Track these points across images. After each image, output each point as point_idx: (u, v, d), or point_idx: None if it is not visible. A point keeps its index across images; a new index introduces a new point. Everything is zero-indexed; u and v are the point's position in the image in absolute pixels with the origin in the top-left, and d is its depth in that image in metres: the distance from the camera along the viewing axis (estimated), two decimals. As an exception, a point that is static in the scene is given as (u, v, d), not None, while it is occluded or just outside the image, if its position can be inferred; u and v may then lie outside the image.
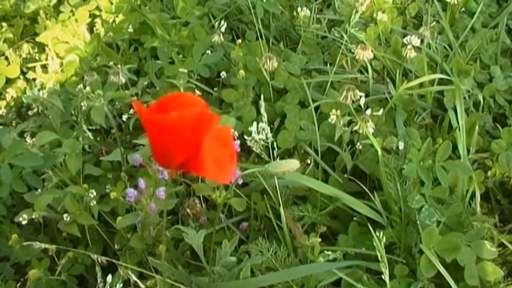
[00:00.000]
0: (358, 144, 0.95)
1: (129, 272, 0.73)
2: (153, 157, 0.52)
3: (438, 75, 1.07)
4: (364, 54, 1.07)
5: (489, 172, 0.98)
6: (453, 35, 1.25)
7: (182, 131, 0.46)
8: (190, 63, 1.12)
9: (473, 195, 0.90)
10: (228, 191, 0.84)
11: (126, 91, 1.03)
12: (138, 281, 0.73)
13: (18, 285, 0.90)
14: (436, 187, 0.88)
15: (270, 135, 0.90)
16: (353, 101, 0.94)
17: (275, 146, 0.92)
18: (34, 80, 1.22)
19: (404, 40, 1.12)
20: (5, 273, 0.90)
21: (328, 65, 1.16)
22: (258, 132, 0.89)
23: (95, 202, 0.85)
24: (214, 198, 0.85)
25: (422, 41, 1.14)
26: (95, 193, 0.86)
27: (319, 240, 0.80)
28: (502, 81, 1.17)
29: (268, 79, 1.07)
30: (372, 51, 1.08)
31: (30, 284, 0.81)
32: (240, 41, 1.15)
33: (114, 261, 0.78)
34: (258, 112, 1.02)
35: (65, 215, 0.83)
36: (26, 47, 1.30)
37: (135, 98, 1.02)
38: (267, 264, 0.79)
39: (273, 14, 1.26)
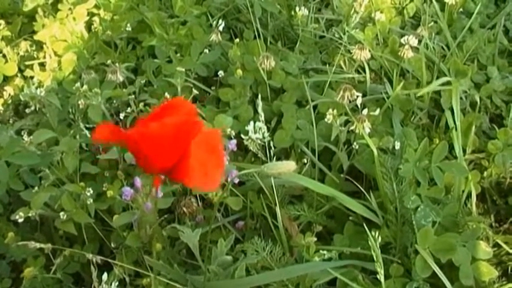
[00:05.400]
0: (355, 144, 0.95)
1: (124, 272, 0.73)
2: (138, 166, 0.51)
3: (442, 80, 1.07)
4: (362, 54, 1.07)
5: (485, 172, 0.98)
6: (451, 35, 1.25)
7: (164, 141, 0.44)
8: (188, 62, 1.12)
9: (469, 196, 0.90)
10: (224, 190, 0.84)
11: (124, 90, 1.03)
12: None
13: (15, 283, 0.90)
14: (432, 187, 0.88)
15: (266, 134, 0.90)
16: (350, 101, 0.95)
17: (272, 145, 0.92)
18: (32, 77, 1.22)
19: (402, 40, 1.13)
20: (1, 271, 0.90)
21: (328, 65, 1.16)
22: (255, 132, 0.89)
23: (91, 200, 0.85)
24: (210, 197, 0.85)
25: (420, 41, 1.15)
26: (91, 191, 0.86)
27: (315, 239, 0.80)
28: (499, 82, 1.17)
29: (265, 78, 1.07)
30: (370, 51, 1.08)
31: (26, 282, 0.81)
32: (237, 40, 1.15)
33: (109, 260, 0.78)
34: (255, 111, 1.02)
35: (61, 213, 0.83)
36: (23, 45, 1.30)
37: (133, 96, 1.02)
38: (262, 264, 0.79)
39: (271, 13, 1.26)
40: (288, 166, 0.61)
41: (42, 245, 0.74)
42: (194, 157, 0.45)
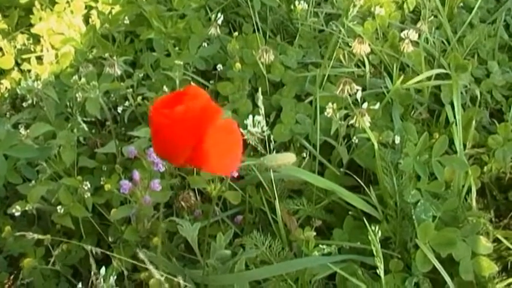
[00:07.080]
0: (354, 138, 0.94)
1: (121, 265, 0.72)
2: (156, 152, 0.51)
3: (437, 71, 1.06)
4: (362, 48, 1.06)
5: (485, 167, 0.98)
6: (451, 30, 1.25)
7: (187, 124, 0.45)
8: (187, 55, 1.12)
9: (469, 191, 0.89)
10: (222, 184, 0.83)
11: (122, 83, 1.03)
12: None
13: (12, 277, 0.89)
14: (432, 182, 0.88)
15: (265, 128, 0.89)
16: (350, 95, 0.94)
17: (271, 139, 0.91)
18: (29, 71, 1.21)
19: (402, 34, 1.12)
20: (-2, 265, 0.90)
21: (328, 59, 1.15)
22: (254, 125, 0.88)
23: (89, 194, 0.85)
24: (209, 191, 0.84)
25: (420, 36, 1.14)
26: (89, 185, 0.85)
27: (314, 234, 0.80)
28: (499, 77, 1.17)
29: (264, 72, 1.07)
30: (369, 45, 1.08)
31: (25, 272, 0.80)
32: (236, 33, 1.15)
33: (108, 253, 0.77)
34: (254, 105, 1.01)
35: (58, 207, 0.83)
36: (20, 38, 1.29)
37: (131, 90, 1.01)
38: (261, 258, 0.79)
39: (270, 7, 1.25)
40: (288, 158, 0.61)
41: (41, 236, 0.73)
42: (212, 141, 0.46)
